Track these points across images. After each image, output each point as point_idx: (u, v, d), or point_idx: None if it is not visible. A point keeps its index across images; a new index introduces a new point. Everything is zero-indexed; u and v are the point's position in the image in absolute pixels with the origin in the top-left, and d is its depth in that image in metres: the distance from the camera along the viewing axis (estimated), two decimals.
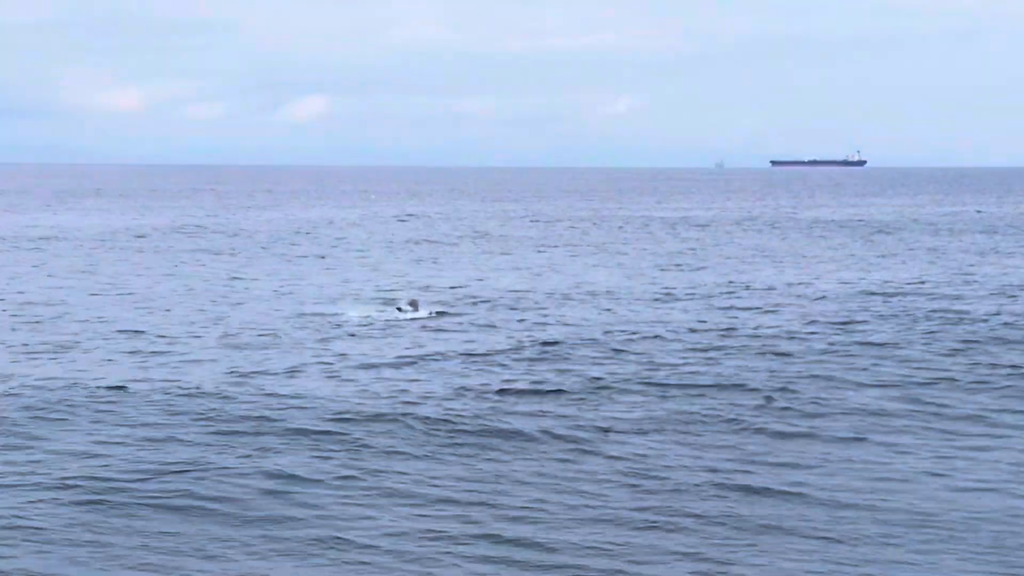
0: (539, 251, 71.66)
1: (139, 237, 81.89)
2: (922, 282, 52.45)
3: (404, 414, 26.00)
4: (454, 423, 25.27)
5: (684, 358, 33.10)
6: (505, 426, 25.08)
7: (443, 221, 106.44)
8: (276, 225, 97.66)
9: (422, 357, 33.35)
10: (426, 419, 25.54)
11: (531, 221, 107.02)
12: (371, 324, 39.68)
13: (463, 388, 28.84)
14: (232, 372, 30.65)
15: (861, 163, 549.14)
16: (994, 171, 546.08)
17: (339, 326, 39.03)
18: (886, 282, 52.44)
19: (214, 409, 26.41)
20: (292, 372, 30.80)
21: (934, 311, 42.78)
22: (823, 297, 46.89)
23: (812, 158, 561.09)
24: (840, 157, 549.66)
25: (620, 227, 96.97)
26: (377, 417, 25.71)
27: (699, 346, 35.19)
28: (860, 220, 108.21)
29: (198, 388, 28.55)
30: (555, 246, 75.43)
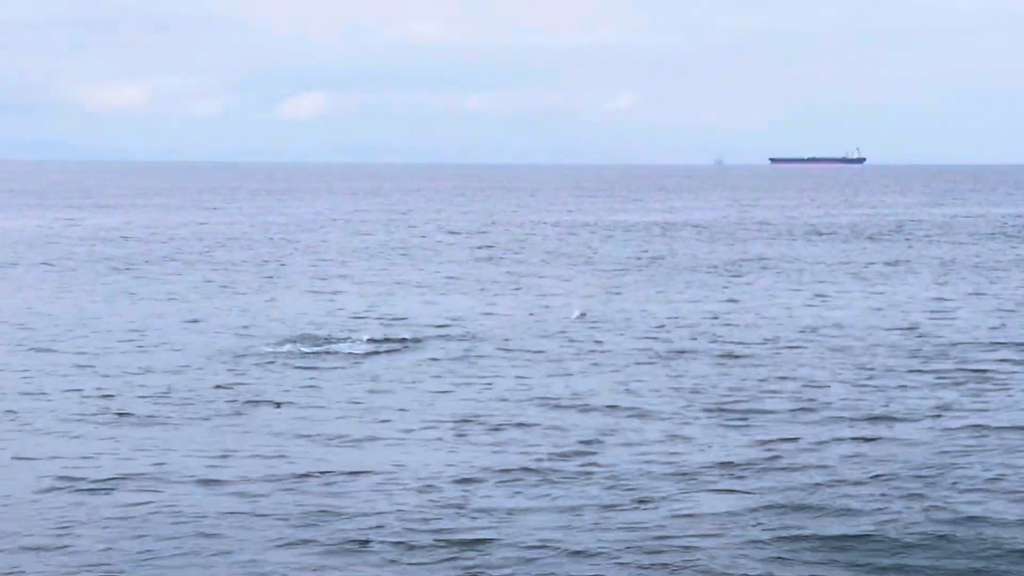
0: (528, 261, 62.64)
1: (52, 241, 73.04)
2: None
3: (342, 516, 17.82)
4: (410, 538, 16.90)
5: (717, 412, 24.24)
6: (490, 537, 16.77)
7: (424, 223, 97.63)
8: (240, 227, 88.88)
9: (362, 420, 24.63)
10: (367, 534, 17.17)
11: (519, 225, 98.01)
12: (301, 362, 31.00)
13: (423, 475, 20.10)
14: (93, 459, 21.81)
15: (860, 160, 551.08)
16: (994, 168, 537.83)
17: (253, 370, 30.04)
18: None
19: (63, 518, 17.85)
20: (190, 452, 22.00)
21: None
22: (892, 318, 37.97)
23: (811, 155, 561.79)
24: (839, 154, 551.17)
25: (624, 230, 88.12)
26: (299, 526, 17.31)
27: (732, 405, 26.27)
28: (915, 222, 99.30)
29: (40, 487, 19.80)
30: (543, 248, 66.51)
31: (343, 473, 20.80)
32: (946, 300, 45.53)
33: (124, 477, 20.69)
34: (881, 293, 47.81)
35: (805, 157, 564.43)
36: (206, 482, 20.37)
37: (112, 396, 27.27)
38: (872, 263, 62.06)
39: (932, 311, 42.37)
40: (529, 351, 33.55)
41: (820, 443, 22.80)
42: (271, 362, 31.44)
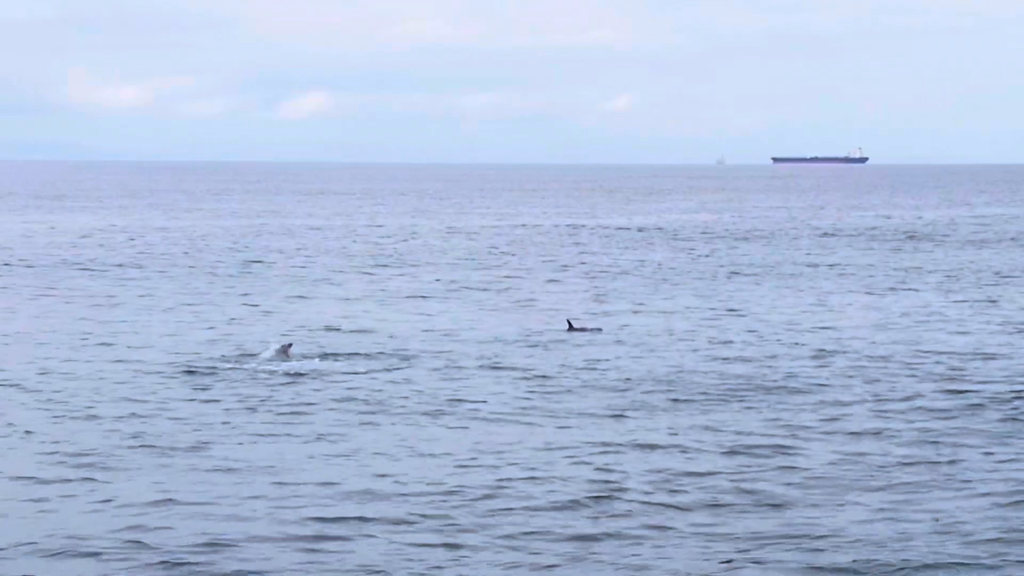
0: (523, 266, 59.63)
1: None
2: None
3: None
4: None
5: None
6: None
7: (419, 224, 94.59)
8: (230, 229, 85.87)
9: (328, 462, 21.62)
10: None
11: (516, 226, 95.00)
12: (269, 381, 28.11)
13: (394, 537, 16.99)
14: (8, 517, 18.72)
15: (862, 160, 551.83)
16: (995, 168, 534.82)
17: (214, 391, 26.98)
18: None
19: None
20: (125, 501, 19.01)
21: None
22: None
23: (813, 155, 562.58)
24: (841, 154, 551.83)
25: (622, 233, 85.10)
26: None
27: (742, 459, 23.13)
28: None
29: None
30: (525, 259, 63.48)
31: (299, 536, 17.68)
32: (958, 311, 42.42)
33: (41, 539, 17.57)
34: (889, 302, 44.82)
35: (807, 157, 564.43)
36: (136, 544, 17.31)
37: (52, 426, 24.24)
38: (875, 265, 59.18)
39: (945, 320, 39.65)
40: (519, 368, 30.60)
41: (879, 507, 19.04)
42: (235, 385, 28.41)
